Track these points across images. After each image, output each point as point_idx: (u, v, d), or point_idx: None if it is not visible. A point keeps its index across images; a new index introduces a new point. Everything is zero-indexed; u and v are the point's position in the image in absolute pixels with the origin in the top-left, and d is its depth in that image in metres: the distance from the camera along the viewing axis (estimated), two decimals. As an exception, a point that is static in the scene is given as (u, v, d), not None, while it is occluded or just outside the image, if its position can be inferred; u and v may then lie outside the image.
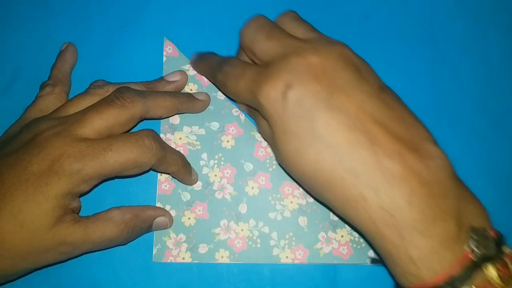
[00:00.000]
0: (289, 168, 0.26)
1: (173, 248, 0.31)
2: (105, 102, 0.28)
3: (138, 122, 0.30)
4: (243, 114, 0.33)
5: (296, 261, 0.31)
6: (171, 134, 0.33)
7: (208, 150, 0.32)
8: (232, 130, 0.33)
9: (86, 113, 0.28)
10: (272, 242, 0.31)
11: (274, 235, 0.31)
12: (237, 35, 0.35)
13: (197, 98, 0.32)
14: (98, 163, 0.26)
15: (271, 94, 0.25)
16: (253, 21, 0.28)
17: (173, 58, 0.34)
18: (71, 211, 0.27)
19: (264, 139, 0.32)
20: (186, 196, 0.32)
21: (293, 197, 0.32)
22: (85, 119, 0.27)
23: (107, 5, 0.36)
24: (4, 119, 0.31)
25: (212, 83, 0.33)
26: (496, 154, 0.34)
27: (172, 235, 0.31)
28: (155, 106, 0.29)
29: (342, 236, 0.31)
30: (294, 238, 0.31)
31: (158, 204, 0.31)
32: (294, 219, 0.31)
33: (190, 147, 0.32)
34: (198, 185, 0.32)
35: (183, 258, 0.31)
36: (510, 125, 0.34)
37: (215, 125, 0.33)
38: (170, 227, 0.31)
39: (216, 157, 0.32)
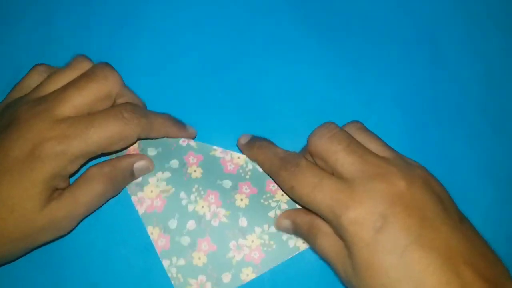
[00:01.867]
0: None
1: (200, 293, 0.31)
2: (85, 77, 0.28)
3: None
4: (192, 140, 0.33)
5: None
6: (141, 191, 0.32)
7: (183, 188, 0.32)
8: (192, 160, 0.32)
9: (66, 91, 0.27)
10: (284, 237, 0.31)
11: (282, 230, 0.32)
12: (237, 35, 0.35)
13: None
14: (82, 142, 0.26)
15: (361, 221, 0.24)
16: (326, 129, 0.27)
17: None
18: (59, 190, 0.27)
19: (326, 260, 0.27)
20: (185, 240, 0.31)
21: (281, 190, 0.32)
22: (64, 97, 0.27)
23: (107, 5, 0.36)
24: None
25: (268, 174, 0.31)
26: (496, 154, 0.34)
27: (192, 280, 0.31)
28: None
29: None
30: (300, 223, 0.32)
31: (164, 261, 0.31)
32: (293, 207, 0.32)
33: (165, 194, 0.32)
34: (191, 224, 0.31)
35: (214, 296, 0.31)
36: (510, 125, 0.34)
37: (175, 163, 0.32)
38: (153, 169, 0.31)
39: (194, 189, 0.32)
